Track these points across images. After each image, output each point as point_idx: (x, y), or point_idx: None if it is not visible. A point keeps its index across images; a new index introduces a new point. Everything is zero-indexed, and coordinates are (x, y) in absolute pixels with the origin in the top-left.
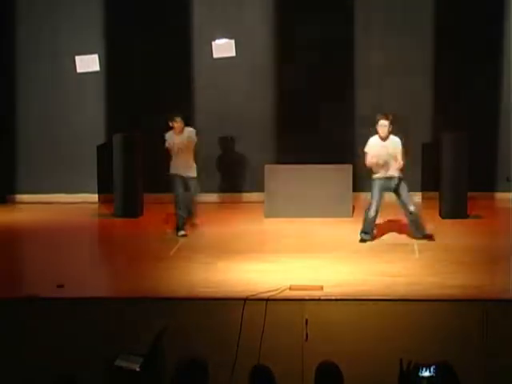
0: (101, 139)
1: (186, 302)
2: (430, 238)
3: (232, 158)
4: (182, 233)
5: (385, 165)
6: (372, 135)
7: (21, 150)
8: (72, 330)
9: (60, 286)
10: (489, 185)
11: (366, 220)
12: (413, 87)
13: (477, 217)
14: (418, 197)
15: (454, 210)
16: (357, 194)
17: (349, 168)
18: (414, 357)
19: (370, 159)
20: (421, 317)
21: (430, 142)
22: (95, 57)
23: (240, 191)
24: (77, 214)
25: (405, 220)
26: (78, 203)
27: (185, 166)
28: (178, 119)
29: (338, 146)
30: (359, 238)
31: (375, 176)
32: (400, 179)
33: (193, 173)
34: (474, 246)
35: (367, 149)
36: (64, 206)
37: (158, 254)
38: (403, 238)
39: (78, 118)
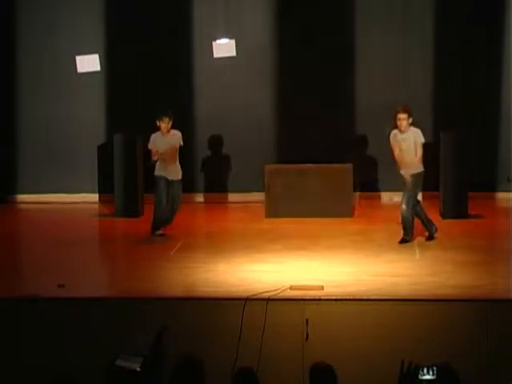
0: (101, 139)
1: (186, 302)
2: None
3: (232, 158)
4: (159, 232)
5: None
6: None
7: (21, 150)
8: (72, 330)
9: (60, 286)
10: (489, 185)
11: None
12: (413, 87)
13: (477, 217)
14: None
15: (455, 209)
16: (357, 193)
17: (349, 168)
18: (414, 357)
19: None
20: (421, 317)
21: (430, 142)
22: (95, 57)
23: (240, 191)
24: (77, 213)
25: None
26: (77, 203)
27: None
28: (166, 119)
29: (338, 145)
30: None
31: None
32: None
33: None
34: (474, 245)
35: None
36: (64, 205)
37: (158, 254)
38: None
39: (78, 118)
